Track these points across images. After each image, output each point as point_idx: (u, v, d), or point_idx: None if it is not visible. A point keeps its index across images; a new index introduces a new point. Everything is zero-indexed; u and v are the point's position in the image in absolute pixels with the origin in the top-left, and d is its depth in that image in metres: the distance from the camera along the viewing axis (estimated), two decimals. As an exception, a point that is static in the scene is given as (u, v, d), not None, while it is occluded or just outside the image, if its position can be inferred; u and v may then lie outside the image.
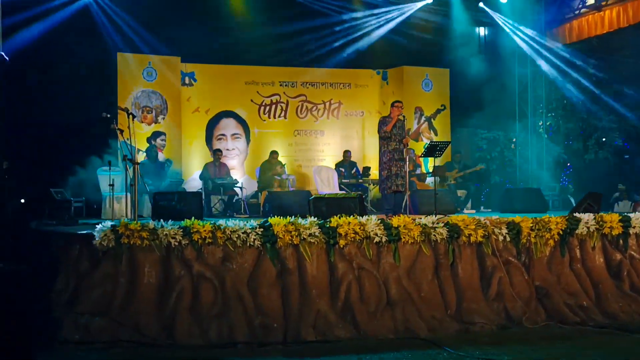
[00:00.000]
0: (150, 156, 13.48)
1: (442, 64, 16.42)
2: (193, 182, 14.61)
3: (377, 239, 7.30)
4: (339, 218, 7.33)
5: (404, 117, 10.73)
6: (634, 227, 8.38)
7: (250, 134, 15.67)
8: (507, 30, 16.56)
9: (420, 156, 12.17)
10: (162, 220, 7.01)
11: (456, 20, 16.16)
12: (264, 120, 15.78)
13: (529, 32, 16.47)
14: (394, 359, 6.19)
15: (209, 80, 15.33)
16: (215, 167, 13.94)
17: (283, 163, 14.64)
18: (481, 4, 16.10)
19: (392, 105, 10.85)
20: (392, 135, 10.60)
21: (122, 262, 6.76)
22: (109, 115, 9.12)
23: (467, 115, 16.53)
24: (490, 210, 13.47)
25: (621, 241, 8.40)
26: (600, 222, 8.26)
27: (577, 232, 8.14)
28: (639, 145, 16.58)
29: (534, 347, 6.57)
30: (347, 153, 15.40)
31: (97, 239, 6.71)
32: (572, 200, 14.98)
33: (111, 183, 10.11)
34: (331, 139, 16.27)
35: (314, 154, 16.16)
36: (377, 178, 14.36)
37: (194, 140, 15.22)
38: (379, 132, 10.74)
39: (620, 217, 8.39)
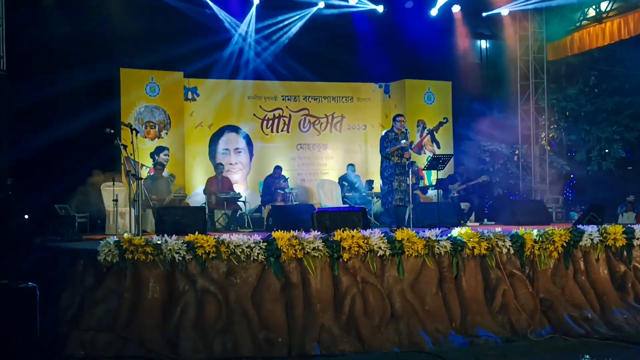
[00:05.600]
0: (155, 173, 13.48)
1: (444, 76, 16.46)
2: (196, 196, 14.63)
3: (380, 253, 7.30)
4: (343, 232, 7.33)
5: (406, 130, 10.76)
6: (638, 239, 8.37)
7: (254, 148, 15.70)
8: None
9: (423, 169, 12.20)
10: (165, 235, 7.01)
11: (457, 33, 16.22)
12: (267, 135, 15.81)
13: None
14: (398, 373, 6.18)
15: (212, 95, 15.37)
16: (218, 182, 13.96)
17: (286, 177, 14.66)
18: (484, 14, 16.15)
19: (394, 119, 10.89)
20: (395, 152, 10.64)
21: (126, 278, 6.76)
22: (112, 131, 9.14)
23: (469, 128, 16.55)
24: (493, 222, 13.45)
25: (625, 253, 8.38)
26: (604, 234, 8.26)
27: (580, 244, 8.13)
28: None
29: (539, 359, 6.55)
30: (350, 167, 15.42)
31: (101, 255, 6.72)
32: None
33: (115, 198, 10.12)
34: (334, 152, 16.29)
35: (317, 167, 16.18)
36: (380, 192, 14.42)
37: (197, 155, 15.25)
38: (380, 150, 10.75)
39: (624, 229, 8.38)
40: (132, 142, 8.84)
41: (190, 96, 15.17)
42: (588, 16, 15.67)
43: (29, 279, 6.20)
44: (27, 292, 5.79)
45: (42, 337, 6.19)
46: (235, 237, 7.08)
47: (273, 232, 7.25)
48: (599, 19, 15.31)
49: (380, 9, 15.37)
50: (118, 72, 14.10)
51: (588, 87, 17.18)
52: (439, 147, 16.25)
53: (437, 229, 8.04)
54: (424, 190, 14.62)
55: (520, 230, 8.01)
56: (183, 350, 6.52)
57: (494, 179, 16.61)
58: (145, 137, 14.30)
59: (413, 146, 10.85)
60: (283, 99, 15.95)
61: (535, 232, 7.98)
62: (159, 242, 6.85)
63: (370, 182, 15.41)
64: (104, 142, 9.61)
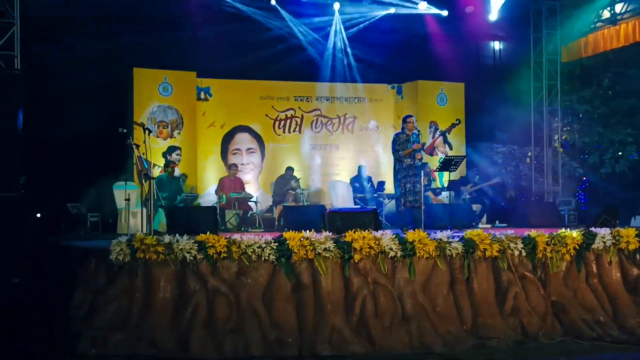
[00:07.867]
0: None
1: (457, 78, 16.41)
2: (208, 196, 14.65)
3: (392, 254, 7.28)
4: (354, 232, 7.33)
5: (418, 131, 10.75)
6: (651, 242, 8.31)
7: (265, 148, 15.71)
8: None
9: (435, 170, 12.18)
10: (177, 234, 7.02)
11: (471, 34, 16.17)
12: (279, 135, 15.82)
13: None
14: (409, 375, 6.17)
15: (224, 95, 15.41)
16: (231, 182, 13.98)
17: (298, 177, 14.66)
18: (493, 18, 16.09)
19: (404, 120, 10.87)
20: (407, 154, 10.64)
21: (137, 277, 6.77)
22: (125, 131, 9.17)
23: (482, 129, 16.49)
24: (505, 224, 13.40)
25: (638, 256, 8.33)
26: (617, 237, 8.20)
27: (593, 246, 8.08)
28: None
29: (551, 362, 6.53)
30: (361, 168, 15.40)
31: (113, 254, 6.74)
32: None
33: (127, 198, 10.14)
34: (346, 153, 16.28)
35: (328, 168, 16.17)
36: (392, 193, 14.41)
37: (209, 154, 15.28)
38: (393, 152, 10.74)
39: (637, 232, 8.32)
40: (144, 142, 8.85)
41: (202, 96, 15.21)
42: (603, 18, 15.59)
43: (41, 278, 6.23)
44: (38, 290, 5.83)
45: (54, 335, 6.22)
46: (247, 237, 7.09)
47: (284, 233, 7.25)
48: (613, 20, 15.23)
49: (392, 10, 15.37)
50: (131, 71, 14.14)
51: (602, 89, 17.08)
52: (451, 149, 16.21)
53: (449, 230, 8.02)
54: (436, 191, 14.59)
55: (533, 232, 7.98)
56: (194, 349, 6.53)
57: (506, 181, 16.54)
58: (158, 137, 14.34)
59: (425, 147, 10.87)
60: (295, 100, 15.96)
61: (547, 234, 7.94)
62: (170, 241, 6.86)
63: (381, 184, 15.38)
64: (117, 142, 9.65)
